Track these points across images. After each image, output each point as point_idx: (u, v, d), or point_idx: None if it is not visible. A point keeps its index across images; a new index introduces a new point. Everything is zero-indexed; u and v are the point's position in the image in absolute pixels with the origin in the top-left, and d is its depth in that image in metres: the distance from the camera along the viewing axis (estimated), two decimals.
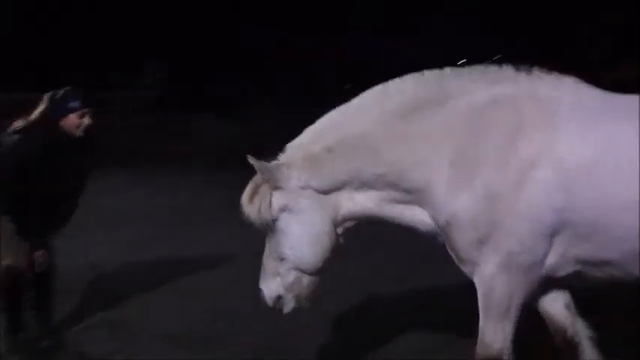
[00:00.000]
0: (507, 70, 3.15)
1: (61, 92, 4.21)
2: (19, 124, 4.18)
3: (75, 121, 4.17)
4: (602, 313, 3.66)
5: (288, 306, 3.27)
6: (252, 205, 3.18)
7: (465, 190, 2.97)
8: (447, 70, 3.20)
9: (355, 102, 3.24)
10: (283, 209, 3.16)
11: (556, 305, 3.27)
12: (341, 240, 3.25)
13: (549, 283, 3.11)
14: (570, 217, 2.86)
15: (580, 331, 3.24)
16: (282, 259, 3.20)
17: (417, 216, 3.19)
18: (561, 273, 3.00)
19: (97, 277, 5.89)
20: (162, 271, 5.91)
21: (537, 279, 2.97)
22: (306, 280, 3.21)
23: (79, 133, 4.19)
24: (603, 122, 2.91)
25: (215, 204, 8.26)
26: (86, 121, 4.19)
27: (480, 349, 3.04)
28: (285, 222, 3.16)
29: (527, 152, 2.90)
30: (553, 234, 2.89)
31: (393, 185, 3.15)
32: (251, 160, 3.12)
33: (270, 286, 3.23)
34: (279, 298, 3.25)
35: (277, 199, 3.16)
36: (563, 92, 3.05)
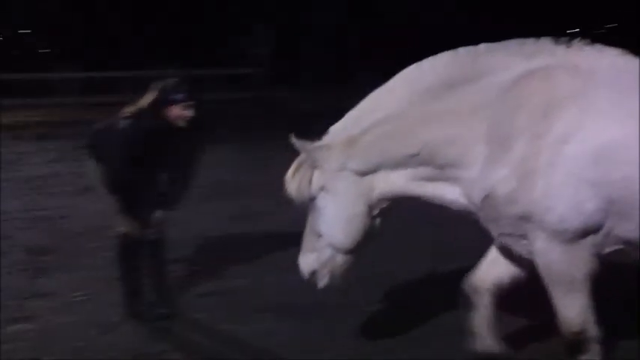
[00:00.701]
0: (545, 43, 3.12)
1: (167, 83, 4.42)
2: (129, 110, 4.43)
3: (178, 113, 4.36)
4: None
5: (322, 281, 3.41)
6: (293, 181, 3.36)
7: (501, 165, 2.98)
8: (482, 46, 3.20)
9: (390, 83, 3.28)
10: (322, 189, 3.28)
11: (490, 269, 3.35)
12: (376, 222, 3.33)
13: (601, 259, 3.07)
14: (606, 192, 2.82)
15: (485, 307, 3.33)
16: (319, 236, 3.34)
17: (449, 194, 3.24)
18: (607, 250, 2.98)
19: (205, 248, 6.16)
20: (269, 243, 6.10)
21: (590, 252, 2.96)
22: (339, 258, 3.34)
23: (181, 124, 4.39)
24: (634, 96, 2.84)
25: None
26: (188, 113, 4.37)
27: (562, 327, 3.08)
28: (323, 201, 3.29)
29: (559, 127, 2.88)
30: (593, 210, 2.86)
31: (427, 163, 3.20)
32: (293, 140, 3.28)
33: (307, 261, 3.40)
34: (314, 272, 3.39)
35: (317, 178, 3.31)
36: (602, 64, 2.99)
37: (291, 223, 6.50)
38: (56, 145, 13.04)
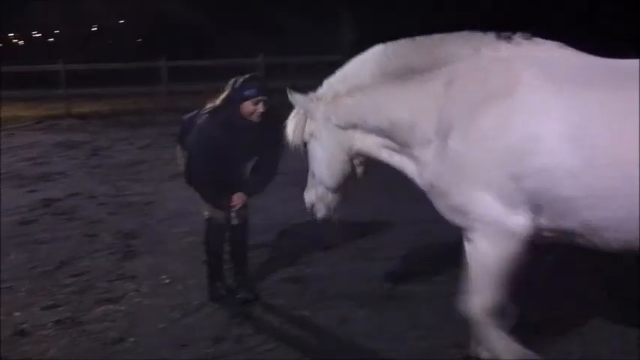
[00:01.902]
0: (489, 37, 3.26)
1: (240, 79, 4.51)
2: (208, 106, 4.56)
3: (249, 108, 4.45)
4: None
5: (320, 213, 3.87)
6: (290, 128, 3.78)
7: (440, 158, 3.19)
8: (437, 36, 3.40)
9: (364, 56, 3.56)
10: (312, 135, 3.69)
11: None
12: (357, 170, 3.71)
13: (537, 248, 3.20)
14: (529, 186, 2.96)
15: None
16: (313, 176, 3.80)
17: (410, 169, 3.50)
18: (539, 239, 3.13)
19: (285, 234, 6.24)
20: (347, 231, 6.09)
21: (517, 244, 3.10)
22: (329, 195, 3.79)
23: (254, 119, 4.46)
24: (566, 90, 2.93)
25: None
26: (260, 108, 4.43)
27: (468, 308, 3.30)
28: (313, 146, 3.72)
29: (486, 123, 3.02)
30: (519, 204, 3.01)
31: (391, 137, 3.49)
32: (288, 92, 3.69)
33: (308, 195, 3.87)
34: (312, 206, 3.86)
35: (308, 126, 3.70)
36: (538, 60, 3.08)
37: (370, 212, 6.57)
38: (146, 132, 13.50)
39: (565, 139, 2.87)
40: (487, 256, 3.17)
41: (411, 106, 3.34)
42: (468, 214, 3.14)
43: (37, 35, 44.25)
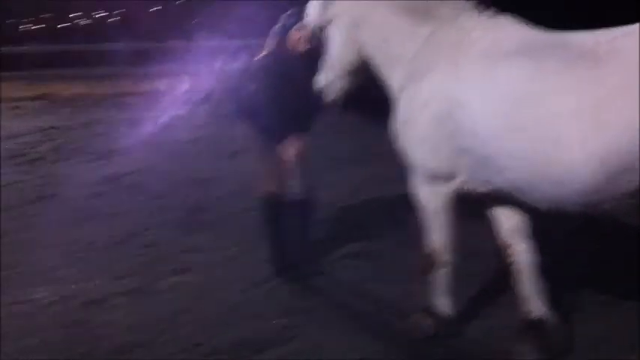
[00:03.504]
0: (471, 7, 3.55)
1: (284, 15, 4.58)
2: (267, 49, 4.64)
3: (294, 38, 4.51)
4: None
5: (328, 97, 4.08)
6: (310, 11, 4.10)
7: (400, 103, 3.64)
8: None
9: None
10: (329, 22, 3.94)
11: (508, 222, 3.67)
12: (364, 66, 3.93)
13: (482, 198, 3.61)
14: (461, 143, 3.33)
15: (521, 254, 3.63)
16: (327, 60, 4.03)
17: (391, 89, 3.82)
18: (478, 191, 3.49)
19: (351, 210, 6.23)
20: (400, 207, 6.03)
21: (449, 191, 3.57)
22: (338, 81, 4.02)
23: (302, 47, 4.48)
24: (502, 61, 3.23)
25: None
26: (303, 36, 4.45)
27: (423, 249, 3.79)
28: (330, 32, 3.97)
29: (427, 88, 3.45)
30: (453, 158, 3.42)
31: (382, 53, 3.82)
32: None
33: (321, 78, 4.06)
34: (324, 87, 4.05)
35: (327, 12, 3.97)
36: (487, 32, 3.39)
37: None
38: (206, 110, 13.64)
39: (487, 106, 3.22)
40: (425, 197, 3.66)
41: (401, 40, 3.69)
42: (410, 159, 3.62)
43: (100, 15, 45.16)
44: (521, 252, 3.65)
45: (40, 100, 15.64)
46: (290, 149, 4.61)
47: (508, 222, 3.69)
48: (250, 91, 4.66)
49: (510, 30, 3.40)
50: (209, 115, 12.91)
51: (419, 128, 3.50)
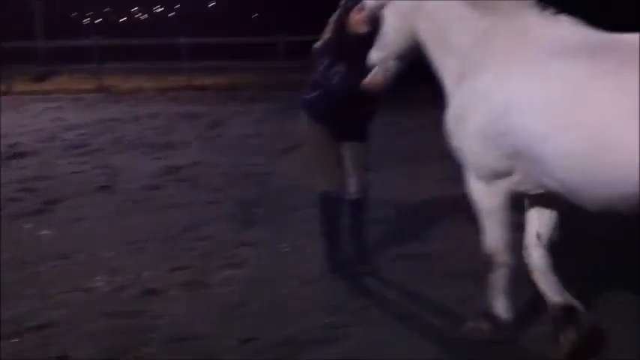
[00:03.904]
0: (530, 5, 3.47)
1: None
2: (328, 33, 4.62)
3: (354, 18, 4.44)
4: None
5: (377, 75, 4.07)
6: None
7: (453, 100, 3.64)
8: None
9: None
10: (386, 7, 3.95)
11: (530, 227, 3.69)
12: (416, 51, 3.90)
13: (529, 198, 3.64)
14: (515, 142, 3.29)
15: (537, 260, 3.65)
16: (381, 39, 4.02)
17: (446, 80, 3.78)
18: (528, 191, 3.49)
19: (404, 210, 6.17)
20: (466, 208, 5.94)
21: (505, 191, 3.52)
22: (387, 61, 4.02)
23: (362, 29, 4.39)
24: (560, 60, 3.19)
25: None
26: (362, 15, 4.36)
27: (483, 247, 3.70)
28: (386, 13, 3.95)
29: (481, 84, 3.42)
30: (507, 157, 3.38)
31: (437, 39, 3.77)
32: None
33: (372, 55, 4.05)
34: (374, 65, 4.05)
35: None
36: (545, 30, 3.36)
37: None
38: (262, 106, 13.76)
39: (542, 105, 3.18)
40: (480, 196, 3.61)
41: (458, 31, 3.63)
42: (464, 156, 3.58)
43: (159, 10, 46.00)
44: (538, 257, 3.66)
45: (101, 92, 16.04)
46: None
47: (539, 226, 3.68)
48: (316, 77, 4.62)
49: (569, 29, 3.36)
50: (265, 111, 13.05)
51: (473, 125, 3.45)
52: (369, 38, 4.24)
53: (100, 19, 38.97)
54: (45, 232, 5.89)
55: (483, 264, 3.74)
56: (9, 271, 5.03)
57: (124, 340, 3.95)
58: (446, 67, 3.73)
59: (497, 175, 3.49)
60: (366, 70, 4.19)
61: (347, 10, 4.50)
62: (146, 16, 44.86)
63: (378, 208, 5.52)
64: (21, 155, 9.08)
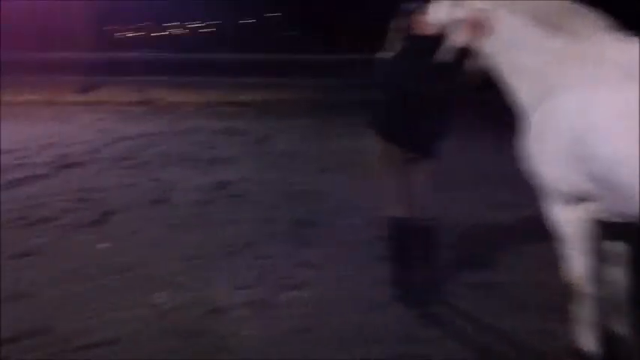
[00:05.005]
0: (607, 28, 3.39)
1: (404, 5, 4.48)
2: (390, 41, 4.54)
3: (415, 22, 4.35)
4: None
5: (442, 53, 4.03)
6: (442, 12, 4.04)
7: (528, 125, 3.54)
8: (582, 9, 3.48)
9: None
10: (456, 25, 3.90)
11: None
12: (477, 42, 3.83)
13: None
14: (593, 168, 3.21)
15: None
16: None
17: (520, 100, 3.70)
18: (612, 221, 3.38)
19: (472, 237, 6.01)
20: (532, 237, 5.78)
21: (587, 216, 3.40)
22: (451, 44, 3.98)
23: (426, 31, 4.27)
24: (634, 85, 3.07)
25: None
26: (419, 20, 4.30)
27: (564, 276, 3.57)
28: (452, 32, 3.95)
29: (561, 106, 3.33)
30: (586, 182, 3.27)
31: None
32: None
33: (435, 9, 4.08)
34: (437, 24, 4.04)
35: (456, 13, 3.91)
36: (620, 52, 3.25)
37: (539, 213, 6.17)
38: (304, 123, 13.71)
39: (622, 130, 3.08)
40: (560, 224, 3.50)
41: (529, 51, 3.57)
42: (542, 181, 3.49)
43: (196, 25, 46.51)
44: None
45: (144, 105, 16.14)
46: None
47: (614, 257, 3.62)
48: (384, 87, 4.54)
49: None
50: (308, 127, 12.99)
51: (551, 149, 3.37)
52: (435, 40, 4.17)
53: (143, 33, 39.56)
54: (102, 244, 5.86)
55: (563, 295, 3.61)
56: (68, 283, 5.00)
57: None
58: (518, 88, 3.65)
59: (578, 200, 3.39)
60: (437, 71, 4.14)
61: (409, 15, 4.41)
62: (187, 31, 45.41)
63: (446, 233, 5.38)
64: (72, 166, 9.12)
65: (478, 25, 3.77)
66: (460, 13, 3.86)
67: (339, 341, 4.11)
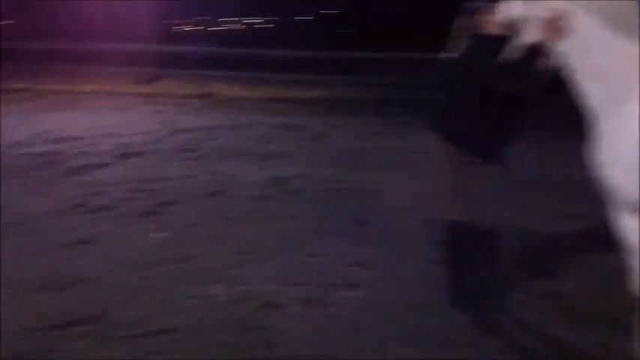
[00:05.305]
0: None
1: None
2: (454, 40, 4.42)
3: (482, 20, 4.21)
4: None
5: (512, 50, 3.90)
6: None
7: (599, 130, 3.43)
8: None
9: None
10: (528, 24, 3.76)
11: None
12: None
13: None
14: None
15: None
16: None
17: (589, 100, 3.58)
18: None
19: (533, 245, 5.77)
20: (591, 246, 5.57)
21: None
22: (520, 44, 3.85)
23: (493, 29, 4.13)
24: None
25: None
26: (485, 18, 4.16)
27: (630, 287, 3.53)
28: (524, 30, 3.82)
29: (630, 110, 3.25)
30: None
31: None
32: None
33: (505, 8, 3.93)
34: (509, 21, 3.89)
35: (529, 11, 3.78)
36: None
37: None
38: (360, 121, 13.61)
39: None
40: (629, 234, 3.42)
41: (601, 53, 3.45)
42: (612, 189, 3.38)
43: (252, 21, 46.89)
44: None
45: (203, 99, 16.32)
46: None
47: None
48: (449, 86, 4.43)
49: None
50: (365, 125, 12.91)
51: (624, 155, 3.27)
52: (502, 39, 4.05)
53: (200, 28, 40.06)
54: (159, 234, 5.91)
55: (628, 307, 3.46)
56: (124, 272, 5.06)
57: (245, 355, 3.85)
58: (590, 91, 3.52)
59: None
60: (506, 70, 4.01)
61: (474, 13, 4.28)
62: (243, 26, 45.85)
63: (506, 239, 5.21)
64: (132, 155, 9.27)
65: (556, 25, 3.63)
66: (536, 11, 3.73)
67: (390, 342, 4.04)
